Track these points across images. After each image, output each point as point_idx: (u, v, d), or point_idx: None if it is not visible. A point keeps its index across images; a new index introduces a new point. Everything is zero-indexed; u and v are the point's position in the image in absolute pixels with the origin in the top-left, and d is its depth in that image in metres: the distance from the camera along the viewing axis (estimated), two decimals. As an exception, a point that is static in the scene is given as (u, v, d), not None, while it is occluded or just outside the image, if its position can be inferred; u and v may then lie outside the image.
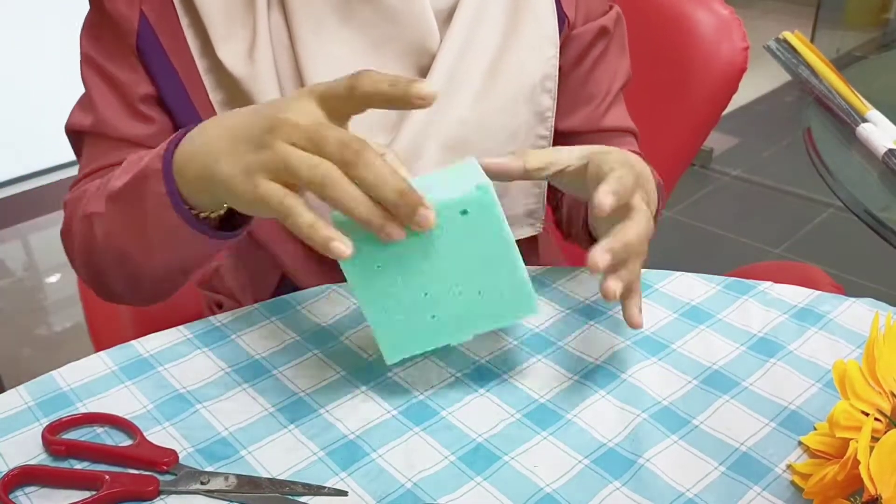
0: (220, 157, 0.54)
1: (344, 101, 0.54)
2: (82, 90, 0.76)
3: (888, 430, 0.48)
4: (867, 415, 0.49)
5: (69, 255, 0.73)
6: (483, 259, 0.55)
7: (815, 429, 0.56)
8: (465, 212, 0.54)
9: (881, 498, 0.44)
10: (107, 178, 0.67)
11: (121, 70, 0.73)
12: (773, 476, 0.52)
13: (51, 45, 2.22)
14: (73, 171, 0.79)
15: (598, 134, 0.82)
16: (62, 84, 2.25)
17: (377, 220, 0.51)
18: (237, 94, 0.71)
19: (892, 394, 0.50)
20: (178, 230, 0.60)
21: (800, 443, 0.55)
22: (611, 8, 0.81)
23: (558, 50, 0.76)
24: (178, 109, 0.73)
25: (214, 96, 0.72)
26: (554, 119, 0.78)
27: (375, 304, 0.57)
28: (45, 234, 2.42)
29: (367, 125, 0.68)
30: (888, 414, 0.49)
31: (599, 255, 0.53)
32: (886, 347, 0.51)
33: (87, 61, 0.75)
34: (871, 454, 0.44)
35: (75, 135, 0.77)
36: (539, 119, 0.76)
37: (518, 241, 0.86)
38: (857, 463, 0.46)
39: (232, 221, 0.63)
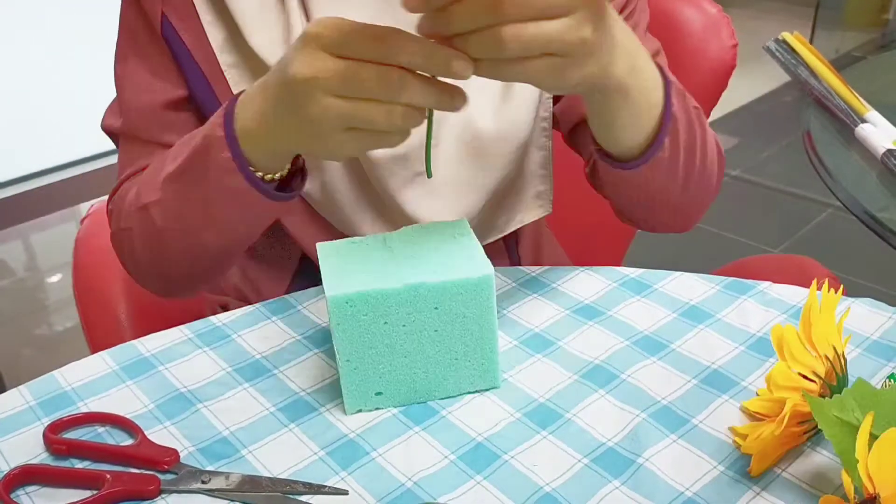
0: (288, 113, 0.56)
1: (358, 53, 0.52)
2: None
3: (822, 392, 0.52)
4: (805, 377, 0.53)
5: (123, 256, 0.73)
6: (466, 333, 0.58)
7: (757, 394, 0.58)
8: (462, 292, 0.57)
9: (879, 497, 0.44)
10: (151, 170, 0.68)
11: (155, 71, 0.73)
12: (772, 476, 0.53)
13: (51, 45, 2.23)
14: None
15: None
16: (62, 84, 2.26)
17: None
18: None
19: (826, 357, 0.53)
20: (243, 195, 0.61)
21: (742, 408, 0.57)
22: None
23: None
24: (207, 107, 0.74)
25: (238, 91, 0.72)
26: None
27: (353, 355, 0.57)
28: (46, 234, 2.42)
29: None
30: (822, 376, 0.53)
31: None
32: (823, 314, 0.54)
33: (122, 59, 0.75)
34: (868, 452, 0.44)
35: (110, 135, 0.78)
36: (540, 100, 0.76)
37: (522, 236, 0.86)
38: (792, 421, 0.52)
39: (288, 185, 0.65)
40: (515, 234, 0.84)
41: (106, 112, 0.78)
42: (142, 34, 0.73)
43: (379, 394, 0.59)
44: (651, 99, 0.62)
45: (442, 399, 0.60)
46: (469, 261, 0.58)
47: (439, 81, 0.53)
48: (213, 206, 0.64)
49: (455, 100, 0.54)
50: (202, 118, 0.74)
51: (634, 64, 0.59)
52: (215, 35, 0.71)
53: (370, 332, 0.56)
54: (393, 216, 0.75)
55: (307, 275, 0.79)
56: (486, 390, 0.61)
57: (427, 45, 0.51)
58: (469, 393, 0.60)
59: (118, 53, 0.76)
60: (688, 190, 0.70)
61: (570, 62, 0.52)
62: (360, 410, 0.59)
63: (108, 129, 0.77)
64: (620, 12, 0.77)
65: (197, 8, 0.71)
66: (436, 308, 0.57)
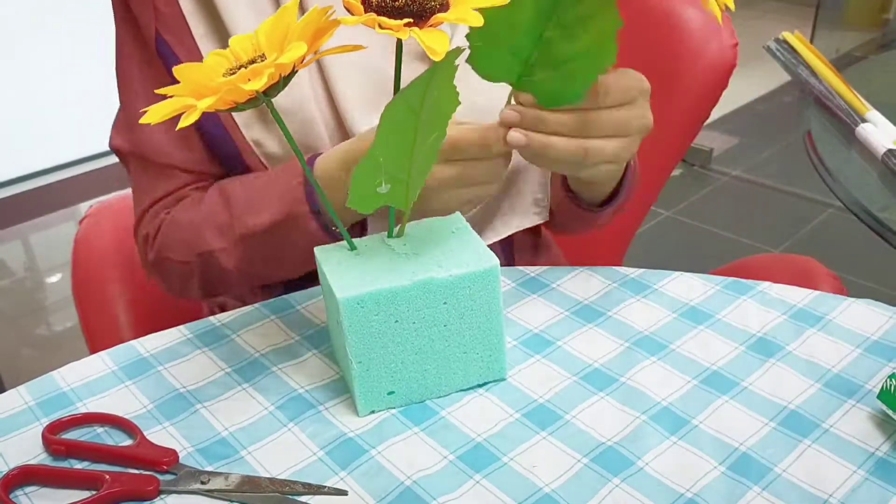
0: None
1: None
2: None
3: None
4: None
5: (166, 282, 0.77)
6: (473, 325, 0.58)
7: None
8: (470, 285, 0.57)
9: None
10: (205, 209, 0.72)
11: (156, 91, 0.73)
12: (772, 476, 0.53)
13: (51, 44, 2.23)
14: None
15: None
16: (62, 84, 2.26)
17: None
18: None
19: None
20: (320, 244, 0.66)
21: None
22: None
23: None
24: (207, 122, 0.74)
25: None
26: None
27: (366, 357, 0.57)
28: (45, 234, 2.42)
29: (365, 100, 0.69)
30: None
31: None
32: None
33: (124, 80, 0.76)
34: None
35: (119, 155, 0.79)
36: None
37: (520, 239, 0.87)
38: None
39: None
40: (511, 237, 0.84)
41: (112, 131, 0.78)
42: (139, 53, 0.73)
43: (391, 393, 0.59)
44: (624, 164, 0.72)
45: (451, 394, 0.60)
46: (473, 253, 0.58)
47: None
48: (291, 259, 0.70)
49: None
50: (205, 133, 0.75)
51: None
52: (208, 48, 0.71)
53: (381, 331, 0.56)
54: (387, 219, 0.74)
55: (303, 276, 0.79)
56: (495, 382, 0.61)
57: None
58: (478, 386, 0.61)
59: (119, 73, 0.76)
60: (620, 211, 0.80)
61: (616, 168, 0.66)
62: (372, 411, 0.59)
63: (117, 150, 0.78)
64: None
65: (188, 21, 0.70)
66: (445, 303, 0.57)
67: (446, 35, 0.49)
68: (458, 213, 0.62)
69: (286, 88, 0.54)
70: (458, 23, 0.49)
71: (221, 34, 0.70)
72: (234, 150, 0.74)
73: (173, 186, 0.76)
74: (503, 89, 0.60)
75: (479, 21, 0.49)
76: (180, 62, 0.71)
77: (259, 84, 0.48)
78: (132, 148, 0.76)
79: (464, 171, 0.62)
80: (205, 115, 0.72)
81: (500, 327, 0.59)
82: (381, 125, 0.52)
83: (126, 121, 0.77)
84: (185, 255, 0.73)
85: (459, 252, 0.58)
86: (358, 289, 0.55)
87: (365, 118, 0.70)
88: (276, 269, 0.73)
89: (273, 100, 0.54)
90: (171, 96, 0.51)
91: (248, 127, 0.72)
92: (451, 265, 0.57)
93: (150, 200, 0.77)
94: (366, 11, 0.50)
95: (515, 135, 0.59)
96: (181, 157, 0.75)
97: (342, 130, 0.72)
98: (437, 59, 0.48)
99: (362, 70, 0.71)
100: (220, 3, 0.69)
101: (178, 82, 0.51)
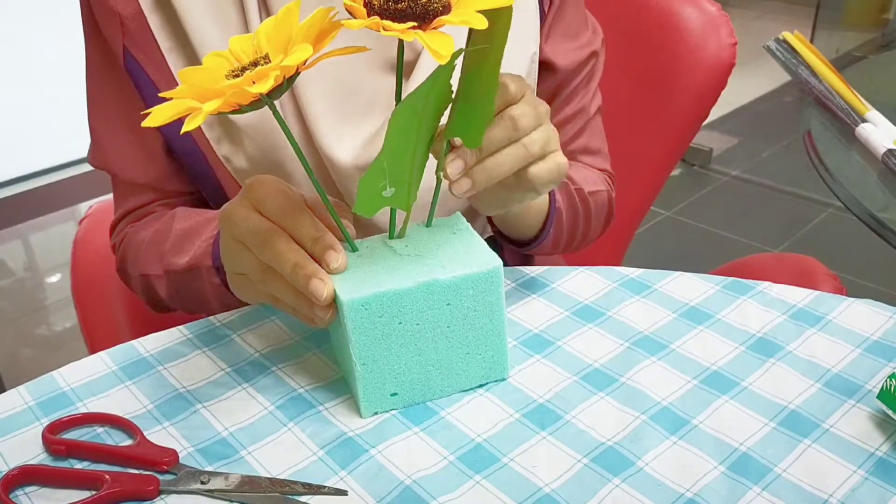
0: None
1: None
2: (82, 90, 0.77)
3: None
4: None
5: (129, 287, 0.81)
6: (476, 326, 0.58)
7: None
8: (473, 286, 0.57)
9: None
10: (150, 238, 0.74)
11: (124, 110, 0.74)
12: (772, 476, 0.53)
13: (50, 45, 2.22)
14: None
15: None
16: (62, 84, 2.25)
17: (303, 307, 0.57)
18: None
19: None
20: (234, 299, 0.67)
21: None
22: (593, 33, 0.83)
23: (538, 45, 0.77)
24: (175, 139, 0.74)
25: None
26: None
27: (369, 359, 0.57)
28: (45, 234, 2.42)
29: (334, 112, 0.70)
30: None
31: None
32: None
33: (93, 97, 0.77)
34: None
35: (97, 169, 0.80)
36: None
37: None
38: None
39: None
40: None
41: (89, 148, 0.79)
42: (106, 69, 0.74)
43: (394, 394, 0.59)
44: (540, 208, 0.72)
45: (454, 394, 0.60)
46: (476, 254, 0.58)
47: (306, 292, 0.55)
48: (209, 301, 0.72)
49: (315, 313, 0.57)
50: (176, 150, 0.75)
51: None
52: (175, 62, 0.71)
53: (385, 333, 0.56)
54: (365, 224, 0.75)
55: None
56: (497, 382, 0.61)
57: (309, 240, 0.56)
58: (480, 386, 0.61)
59: (88, 89, 0.76)
60: (568, 249, 0.81)
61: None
62: (376, 413, 0.59)
63: (93, 166, 0.79)
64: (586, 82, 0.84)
65: (155, 36, 0.70)
66: (448, 304, 0.57)
67: (450, 38, 0.48)
68: (458, 214, 0.62)
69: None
70: (461, 25, 0.49)
71: (188, 48, 0.70)
72: (205, 166, 0.74)
73: (139, 202, 0.79)
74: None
75: (482, 24, 0.48)
76: (148, 77, 0.71)
77: (265, 87, 0.48)
78: (100, 164, 0.78)
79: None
80: (175, 132, 0.73)
81: (503, 328, 0.59)
82: (390, 132, 0.52)
83: (94, 137, 0.78)
84: (134, 272, 0.77)
85: (462, 253, 0.58)
86: (362, 291, 0.55)
87: (333, 131, 0.70)
88: (199, 307, 0.74)
89: (241, 115, 0.53)
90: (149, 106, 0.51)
91: (219, 143, 0.72)
92: (455, 266, 0.57)
93: (121, 213, 0.80)
94: (368, 14, 0.50)
95: (461, 183, 0.56)
96: (145, 175, 0.77)
97: (311, 144, 0.71)
98: (442, 62, 0.48)
99: (331, 81, 0.70)
100: (184, 17, 0.68)
101: (148, 98, 0.51)
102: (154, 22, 0.70)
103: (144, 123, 0.50)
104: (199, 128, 0.72)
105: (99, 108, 0.76)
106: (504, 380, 0.61)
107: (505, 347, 0.60)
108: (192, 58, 0.70)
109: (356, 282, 0.56)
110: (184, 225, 0.72)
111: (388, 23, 0.49)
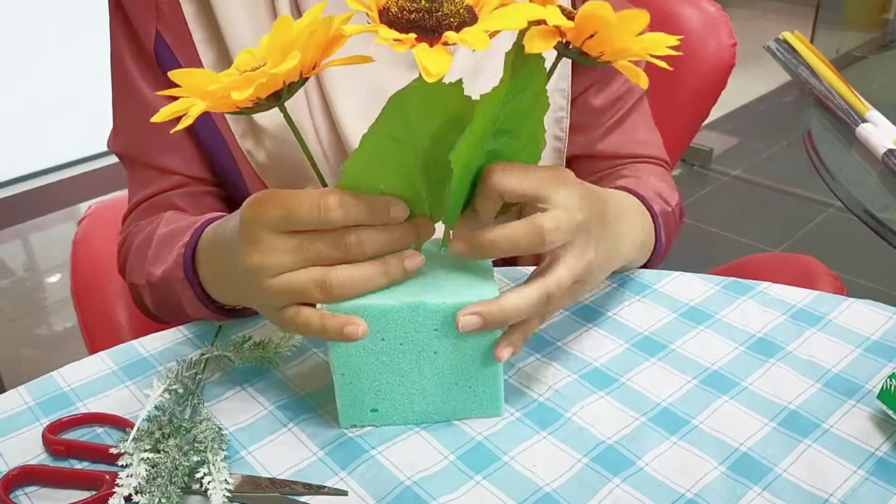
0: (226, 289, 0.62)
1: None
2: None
3: None
4: None
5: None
6: (466, 357, 0.56)
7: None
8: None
9: None
10: (139, 246, 0.72)
11: (148, 93, 0.74)
12: (772, 476, 0.53)
13: (51, 44, 2.23)
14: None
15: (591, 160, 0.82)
16: (62, 84, 2.26)
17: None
18: None
19: None
20: (212, 315, 0.66)
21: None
22: None
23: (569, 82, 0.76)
24: (200, 126, 0.74)
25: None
26: (569, 121, 0.78)
27: (348, 370, 0.56)
28: (45, 234, 2.42)
29: (363, 109, 0.69)
30: None
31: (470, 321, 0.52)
32: None
33: (118, 82, 0.76)
34: None
35: (117, 155, 0.79)
36: (553, 120, 0.77)
37: None
38: None
39: None
40: None
41: (110, 133, 0.78)
42: (133, 52, 0.73)
43: (374, 411, 0.57)
44: (646, 250, 0.70)
45: (439, 422, 0.58)
46: (475, 284, 0.54)
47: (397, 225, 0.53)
48: (187, 313, 0.67)
49: (421, 234, 0.54)
50: (195, 137, 0.75)
51: (627, 259, 0.66)
52: (207, 55, 0.71)
53: (367, 348, 0.55)
54: None
55: None
56: (486, 417, 0.58)
57: (368, 200, 0.51)
58: (466, 418, 0.58)
59: (113, 73, 0.76)
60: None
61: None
62: (353, 426, 0.58)
63: (113, 151, 0.78)
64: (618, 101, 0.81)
65: (189, 27, 0.70)
66: (435, 330, 0.54)
67: (448, 57, 0.46)
68: None
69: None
70: (462, 44, 0.47)
71: (220, 42, 0.70)
72: (229, 158, 0.74)
73: (160, 188, 0.76)
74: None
75: (485, 45, 0.46)
76: (178, 63, 0.71)
77: (242, 95, 0.47)
78: (122, 150, 0.77)
79: (302, 244, 0.52)
80: (202, 124, 0.73)
81: (497, 364, 0.56)
82: (362, 152, 0.51)
83: (117, 122, 0.77)
84: (127, 280, 0.75)
85: (459, 277, 0.55)
86: (345, 300, 0.53)
87: (362, 128, 0.70)
88: (184, 318, 0.69)
89: (263, 113, 0.53)
90: (173, 98, 0.51)
91: (243, 137, 0.72)
92: (447, 291, 0.54)
93: (137, 199, 0.78)
94: (381, 21, 0.49)
95: (502, 353, 0.54)
96: (172, 160, 0.75)
97: (338, 141, 0.71)
98: (429, 80, 0.46)
99: (362, 78, 0.70)
100: (219, 11, 0.69)
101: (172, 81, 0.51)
102: (188, 11, 0.70)
103: (153, 119, 0.49)
104: (225, 120, 0.72)
105: (124, 92, 0.75)
106: (499, 415, 0.58)
107: (499, 385, 0.57)
108: (223, 52, 0.70)
109: None
110: (164, 230, 0.69)
111: (383, 28, 0.48)
